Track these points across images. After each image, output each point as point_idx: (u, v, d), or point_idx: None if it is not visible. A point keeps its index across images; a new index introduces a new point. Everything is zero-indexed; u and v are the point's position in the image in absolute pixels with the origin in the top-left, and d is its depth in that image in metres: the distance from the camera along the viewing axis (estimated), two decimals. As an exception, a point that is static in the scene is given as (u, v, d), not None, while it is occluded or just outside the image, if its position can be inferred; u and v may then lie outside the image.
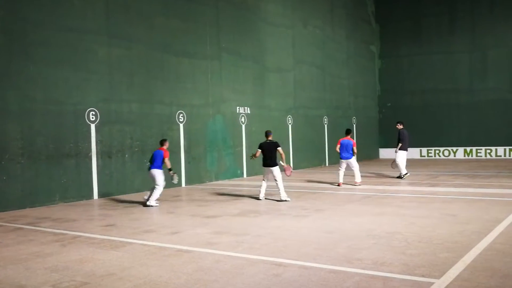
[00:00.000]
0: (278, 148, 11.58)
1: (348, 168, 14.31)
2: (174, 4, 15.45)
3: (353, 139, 14.59)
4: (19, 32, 11.38)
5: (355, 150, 14.18)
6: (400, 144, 15.70)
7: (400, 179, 15.49)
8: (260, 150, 11.56)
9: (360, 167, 14.62)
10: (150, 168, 11.25)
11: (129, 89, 13.95)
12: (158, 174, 11.12)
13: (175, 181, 11.40)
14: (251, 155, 11.91)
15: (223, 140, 17.17)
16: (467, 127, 26.12)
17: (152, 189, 11.17)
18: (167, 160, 11.18)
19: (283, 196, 11.35)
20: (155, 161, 11.17)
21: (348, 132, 14.52)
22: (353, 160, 14.13)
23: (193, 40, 16.08)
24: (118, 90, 13.62)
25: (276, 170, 11.43)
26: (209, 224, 8.62)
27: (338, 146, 14.18)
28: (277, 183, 11.45)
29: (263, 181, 11.74)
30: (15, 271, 5.84)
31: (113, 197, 13.01)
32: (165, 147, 11.41)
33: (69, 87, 12.37)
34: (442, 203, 10.21)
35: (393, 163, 16.30)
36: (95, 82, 13.02)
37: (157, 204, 11.21)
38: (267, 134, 11.79)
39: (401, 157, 15.72)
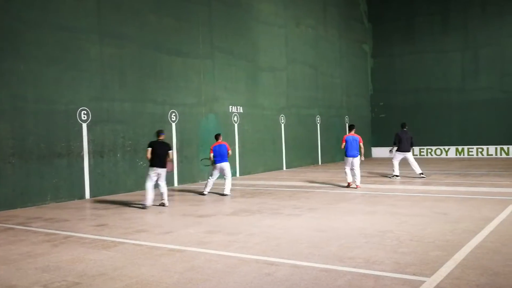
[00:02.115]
0: (169, 152, 10.83)
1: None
2: (167, 2, 15.40)
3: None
4: (10, 31, 11.30)
5: (362, 147, 13.49)
6: (395, 146, 15.76)
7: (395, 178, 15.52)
8: (150, 149, 10.67)
9: (374, 165, 14.42)
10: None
11: (121, 88, 13.89)
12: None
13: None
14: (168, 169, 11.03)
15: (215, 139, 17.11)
16: (459, 126, 26.26)
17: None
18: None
19: (166, 201, 10.89)
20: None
21: (353, 127, 13.81)
22: (358, 160, 13.31)
23: (186, 39, 16.05)
24: (110, 89, 13.56)
25: (165, 172, 10.82)
26: (202, 223, 8.61)
27: (344, 143, 13.30)
28: (161, 186, 10.81)
29: (149, 183, 10.67)
30: (6, 271, 5.80)
31: (105, 196, 12.96)
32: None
33: (60, 86, 12.30)
34: (434, 202, 10.26)
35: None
36: (87, 81, 12.95)
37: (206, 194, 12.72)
38: (158, 133, 11.00)
39: (395, 157, 15.75)
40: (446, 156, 26.36)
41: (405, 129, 16.06)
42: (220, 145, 12.62)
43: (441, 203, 10.11)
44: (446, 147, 26.50)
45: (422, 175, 15.50)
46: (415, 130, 26.74)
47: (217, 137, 12.90)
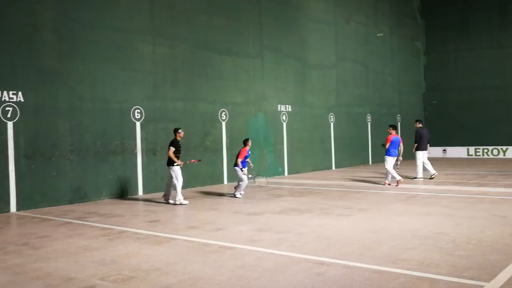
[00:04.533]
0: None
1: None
2: (217, 2, 15.57)
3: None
4: (69, 32, 11.76)
5: (401, 148, 13.92)
6: (415, 145, 15.19)
7: (415, 179, 14.99)
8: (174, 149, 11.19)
9: (404, 165, 14.27)
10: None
11: (173, 87, 14.18)
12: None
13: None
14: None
15: (264, 137, 17.20)
16: (518, 125, 25.14)
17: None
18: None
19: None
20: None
21: (396, 127, 14.20)
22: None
23: (236, 38, 16.18)
24: (162, 88, 13.87)
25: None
26: (252, 221, 8.66)
27: (389, 144, 13.59)
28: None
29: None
30: (65, 263, 6.05)
31: (157, 193, 13.25)
32: (246, 147, 12.05)
33: (115, 85, 12.69)
34: (491, 204, 9.86)
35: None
36: (140, 80, 13.30)
37: (240, 196, 12.03)
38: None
39: (418, 158, 15.14)
40: (504, 157, 25.27)
41: (421, 125, 15.58)
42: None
43: (499, 205, 9.71)
44: (504, 147, 25.40)
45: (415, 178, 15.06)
46: (470, 129, 25.96)
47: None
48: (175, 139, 11.25)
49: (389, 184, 13.66)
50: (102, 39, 12.40)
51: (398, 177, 13.46)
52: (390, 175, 13.64)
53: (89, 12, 12.18)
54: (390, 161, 13.55)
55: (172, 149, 11.02)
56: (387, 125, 23.99)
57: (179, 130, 11.36)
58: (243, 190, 12.23)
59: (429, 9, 28.04)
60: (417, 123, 15.80)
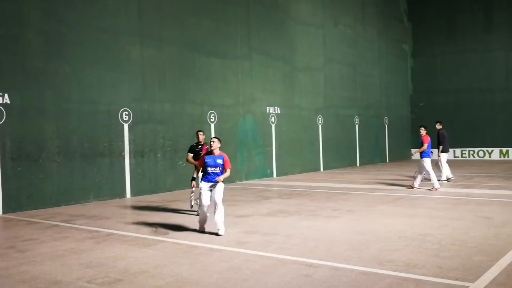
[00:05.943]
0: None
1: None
2: (205, 4, 15.57)
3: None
4: (55, 33, 11.68)
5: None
6: (441, 146, 14.77)
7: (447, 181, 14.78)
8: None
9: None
10: None
11: (161, 89, 14.14)
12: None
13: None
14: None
15: (253, 139, 17.22)
16: (503, 127, 25.44)
17: None
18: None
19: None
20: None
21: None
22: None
23: (224, 40, 16.19)
24: (150, 90, 13.83)
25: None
26: (240, 223, 8.67)
27: (426, 144, 12.82)
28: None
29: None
30: (51, 266, 6.01)
31: (145, 196, 13.21)
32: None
33: (103, 87, 12.63)
34: (476, 205, 9.98)
35: (436, 164, 14.64)
36: (128, 82, 13.25)
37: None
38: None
39: (443, 159, 14.81)
40: (489, 158, 25.58)
41: (441, 126, 15.24)
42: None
43: (484, 206, 9.83)
44: (489, 149, 25.71)
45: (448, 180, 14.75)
46: (456, 131, 26.18)
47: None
48: (195, 143, 9.76)
49: (412, 187, 13.07)
50: (89, 40, 12.34)
51: (437, 185, 12.67)
52: (420, 178, 13.06)
53: (76, 13, 12.11)
54: (429, 163, 12.77)
55: (189, 155, 9.57)
56: (374, 127, 24.37)
57: (198, 132, 9.74)
58: (222, 222, 7.63)
59: (416, 12, 28.32)
60: (438, 124, 15.24)
